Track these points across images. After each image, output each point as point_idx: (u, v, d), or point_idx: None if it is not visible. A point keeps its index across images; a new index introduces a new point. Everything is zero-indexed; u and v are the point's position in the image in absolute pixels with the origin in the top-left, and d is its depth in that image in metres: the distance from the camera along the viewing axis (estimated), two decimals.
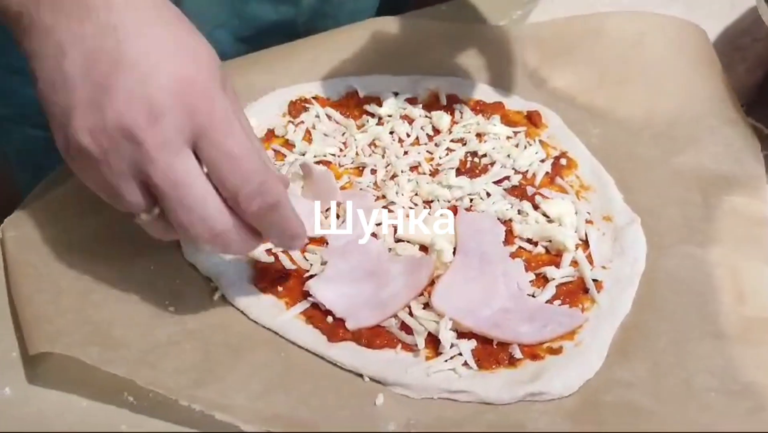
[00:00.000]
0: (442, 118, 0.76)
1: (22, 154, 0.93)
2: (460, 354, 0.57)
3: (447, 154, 0.73)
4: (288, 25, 0.88)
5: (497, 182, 0.71)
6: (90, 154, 0.49)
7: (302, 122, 0.76)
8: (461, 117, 0.78)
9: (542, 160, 0.73)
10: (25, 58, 0.53)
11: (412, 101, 0.79)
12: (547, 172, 0.72)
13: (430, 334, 0.58)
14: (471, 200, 0.69)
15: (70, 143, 0.49)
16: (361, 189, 0.70)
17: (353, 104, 0.79)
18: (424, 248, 0.65)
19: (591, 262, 0.64)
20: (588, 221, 0.67)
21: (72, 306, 0.58)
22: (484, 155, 0.73)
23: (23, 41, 0.52)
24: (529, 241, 0.66)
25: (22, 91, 0.82)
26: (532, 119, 0.78)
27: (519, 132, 0.76)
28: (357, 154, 0.73)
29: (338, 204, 0.67)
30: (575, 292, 0.62)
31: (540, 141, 0.75)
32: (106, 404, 0.54)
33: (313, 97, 0.79)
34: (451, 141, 0.75)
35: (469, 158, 0.73)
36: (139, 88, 0.47)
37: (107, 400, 0.54)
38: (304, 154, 0.72)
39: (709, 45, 0.84)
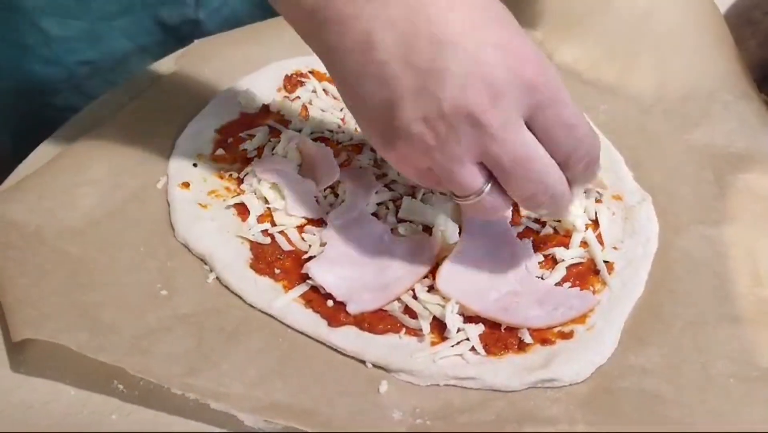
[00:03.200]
0: None
1: (26, 131, 0.91)
2: (467, 339, 0.54)
3: None
4: None
5: None
6: (423, 142, 0.48)
7: (298, 97, 0.73)
8: None
9: None
10: (319, 54, 0.51)
11: None
12: None
13: (435, 318, 0.55)
14: None
15: (396, 135, 0.48)
16: (360, 167, 0.67)
17: None
18: (427, 229, 0.62)
19: (601, 242, 0.61)
20: (598, 200, 0.65)
21: (58, 289, 0.55)
22: None
23: (318, 36, 0.50)
24: (536, 221, 0.63)
25: (29, 66, 0.80)
26: None
27: None
28: (356, 130, 0.70)
29: (337, 183, 0.64)
30: (585, 274, 0.60)
31: None
32: (95, 393, 0.51)
33: (310, 72, 0.76)
34: None
35: None
36: (473, 68, 0.45)
37: (96, 389, 0.51)
38: (300, 131, 0.69)
39: (721, 18, 0.82)
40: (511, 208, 0.54)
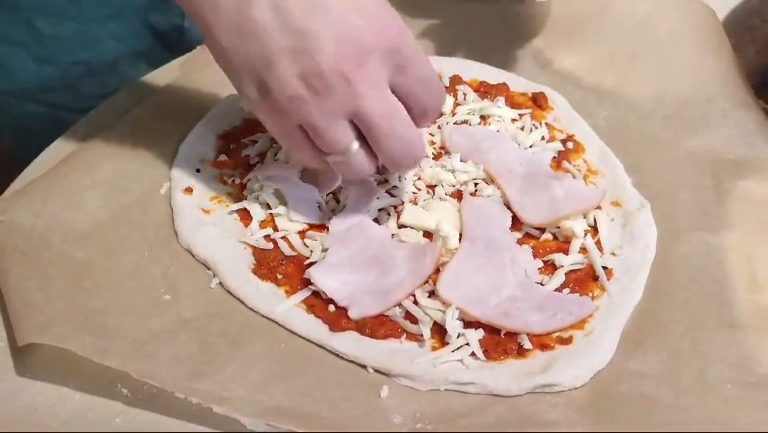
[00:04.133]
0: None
1: (22, 130, 0.91)
2: (467, 344, 0.55)
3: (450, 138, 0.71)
4: None
5: None
6: (300, 97, 0.52)
7: None
8: (464, 99, 0.75)
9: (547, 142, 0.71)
10: (195, 12, 0.53)
11: None
12: (554, 157, 0.70)
13: (435, 323, 0.56)
14: (476, 185, 0.67)
15: (270, 89, 0.52)
16: None
17: None
18: (428, 234, 0.62)
19: (600, 248, 0.62)
20: (597, 206, 0.65)
21: (63, 294, 0.55)
22: None
23: None
24: (536, 227, 0.64)
25: (23, 65, 0.81)
26: (538, 101, 0.76)
27: (524, 114, 0.74)
28: None
29: (339, 188, 0.65)
30: (584, 280, 0.60)
31: (546, 124, 0.73)
32: (99, 397, 0.52)
33: None
34: (455, 123, 0.72)
35: None
36: (343, 31, 0.50)
37: (100, 392, 0.52)
38: None
39: (719, 24, 0.82)
40: (375, 170, 0.58)
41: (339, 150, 0.55)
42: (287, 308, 0.57)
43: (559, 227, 0.63)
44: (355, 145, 0.55)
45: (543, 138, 0.71)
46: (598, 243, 0.62)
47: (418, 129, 0.56)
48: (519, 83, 0.78)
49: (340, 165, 0.57)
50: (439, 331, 0.56)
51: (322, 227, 0.63)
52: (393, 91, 0.54)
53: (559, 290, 0.59)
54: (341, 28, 0.50)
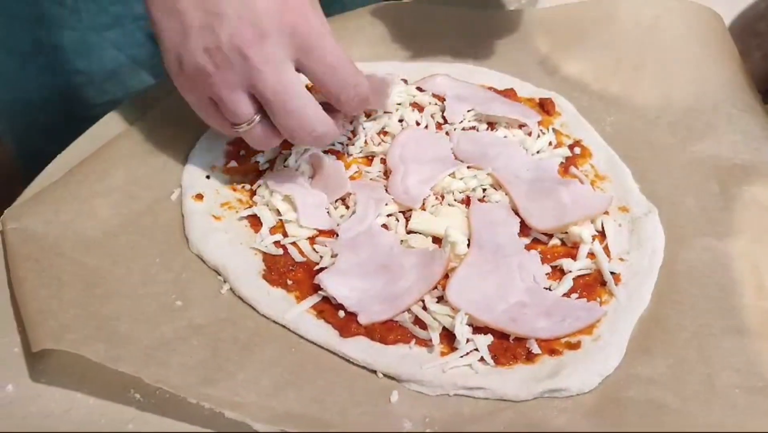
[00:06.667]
0: (452, 106, 0.74)
1: (24, 139, 0.92)
2: (476, 350, 0.55)
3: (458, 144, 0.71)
4: None
5: None
6: (204, 70, 0.58)
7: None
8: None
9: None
10: None
11: (421, 89, 0.77)
12: (561, 162, 0.70)
13: (445, 329, 0.56)
14: (484, 191, 0.67)
15: (183, 61, 0.59)
16: (371, 179, 0.68)
17: None
18: (437, 240, 0.63)
19: (608, 254, 0.62)
20: (604, 212, 0.65)
21: (76, 301, 0.56)
22: None
23: None
24: (544, 233, 0.64)
25: (25, 74, 0.82)
26: (545, 107, 0.76)
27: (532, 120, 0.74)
28: (366, 143, 0.71)
29: (348, 195, 0.65)
30: (592, 285, 0.61)
31: (553, 129, 0.74)
32: (112, 402, 0.52)
33: None
34: (462, 129, 0.73)
35: None
36: (246, 12, 0.56)
37: (113, 398, 0.52)
38: None
39: (725, 30, 0.83)
40: (279, 141, 0.63)
41: (241, 121, 0.60)
42: (298, 313, 0.57)
43: (566, 233, 0.63)
44: (257, 117, 0.60)
45: (550, 144, 0.72)
46: (605, 248, 0.63)
47: (317, 108, 0.60)
48: (526, 89, 0.79)
49: (248, 135, 0.62)
50: (448, 336, 0.56)
51: (331, 233, 0.63)
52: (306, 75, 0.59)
53: (567, 295, 0.59)
54: (245, 9, 0.56)
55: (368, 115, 0.73)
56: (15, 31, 0.79)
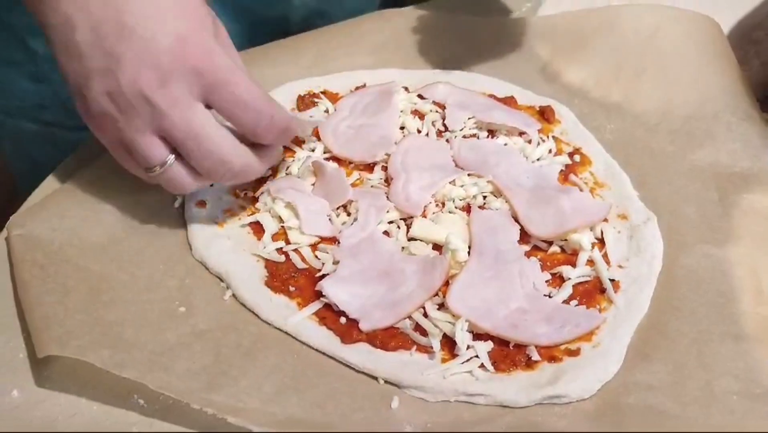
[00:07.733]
0: (453, 114, 0.75)
1: (17, 147, 0.93)
2: (477, 356, 0.56)
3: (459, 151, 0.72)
4: (280, 21, 0.87)
5: None
6: (110, 114, 0.55)
7: (311, 117, 0.75)
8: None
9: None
10: (39, 25, 0.56)
11: (422, 96, 0.77)
12: (561, 170, 0.71)
13: (445, 335, 0.57)
14: (484, 198, 0.68)
15: (89, 106, 0.55)
16: (372, 186, 0.68)
17: None
18: (437, 247, 0.63)
19: (607, 261, 0.63)
20: (603, 219, 0.66)
21: (81, 307, 0.57)
22: None
23: (37, 14, 0.56)
24: (544, 240, 0.65)
25: (17, 83, 0.82)
26: (545, 114, 0.77)
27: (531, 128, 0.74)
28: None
29: (349, 202, 0.66)
30: (592, 292, 0.61)
31: (553, 137, 0.74)
32: (116, 407, 0.53)
33: (322, 92, 0.78)
34: (463, 137, 0.74)
35: None
36: (146, 55, 0.53)
37: (118, 403, 0.53)
38: (313, 151, 0.71)
39: (724, 38, 0.83)
40: (200, 182, 0.59)
41: (153, 164, 0.57)
42: (299, 320, 0.58)
43: (566, 240, 0.64)
44: (170, 159, 0.57)
45: (550, 151, 0.72)
46: (605, 256, 0.63)
47: (234, 143, 0.57)
48: (526, 96, 0.79)
49: (163, 179, 0.58)
50: (449, 343, 0.57)
51: (333, 240, 0.64)
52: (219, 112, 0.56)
53: (566, 302, 0.60)
54: (144, 51, 0.53)
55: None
56: (9, 42, 0.79)
